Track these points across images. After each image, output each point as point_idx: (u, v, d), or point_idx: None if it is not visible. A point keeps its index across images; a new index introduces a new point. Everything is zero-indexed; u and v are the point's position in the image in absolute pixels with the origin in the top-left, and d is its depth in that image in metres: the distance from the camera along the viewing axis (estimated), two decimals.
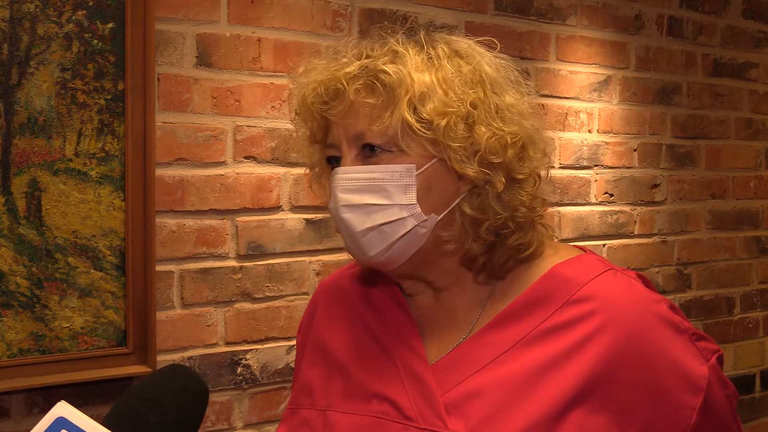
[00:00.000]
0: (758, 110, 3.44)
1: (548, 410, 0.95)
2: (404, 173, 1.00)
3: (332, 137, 1.05)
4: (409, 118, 0.98)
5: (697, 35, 3.20)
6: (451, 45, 1.05)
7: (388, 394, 1.04)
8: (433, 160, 1.00)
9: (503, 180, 1.01)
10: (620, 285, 1.02)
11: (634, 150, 3.00)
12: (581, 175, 2.84)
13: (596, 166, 2.89)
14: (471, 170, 0.99)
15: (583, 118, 2.84)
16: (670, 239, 3.13)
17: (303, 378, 1.17)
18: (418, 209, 1.00)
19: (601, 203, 2.91)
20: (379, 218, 1.00)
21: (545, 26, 2.74)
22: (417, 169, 1.00)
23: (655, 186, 3.07)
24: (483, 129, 1.00)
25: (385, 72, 1.00)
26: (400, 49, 1.03)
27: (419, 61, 1.02)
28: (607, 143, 2.91)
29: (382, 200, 1.00)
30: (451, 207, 1.02)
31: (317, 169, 1.12)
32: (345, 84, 1.01)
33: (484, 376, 1.00)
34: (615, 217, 2.95)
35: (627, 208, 2.99)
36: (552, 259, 1.07)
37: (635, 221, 3.01)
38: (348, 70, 1.02)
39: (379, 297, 1.15)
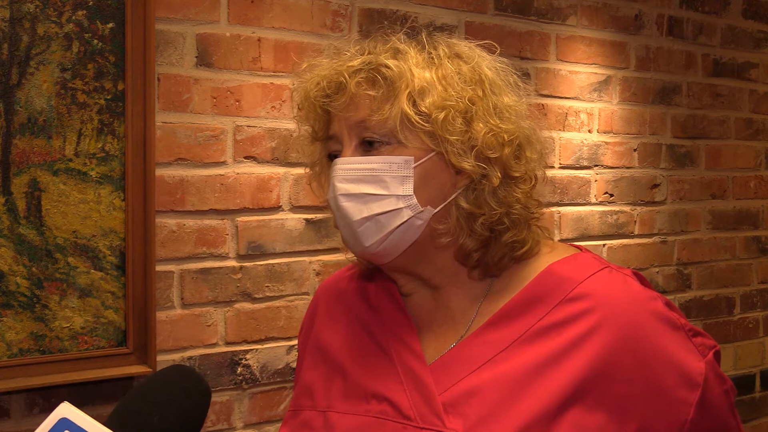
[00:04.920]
0: (758, 110, 3.44)
1: (545, 408, 0.95)
2: (402, 165, 1.01)
3: (333, 129, 1.06)
4: (409, 111, 1.00)
5: (697, 35, 3.20)
6: (452, 47, 1.07)
7: (387, 393, 1.05)
8: (431, 154, 1.02)
9: (499, 175, 1.02)
10: (615, 283, 1.03)
11: (634, 150, 3.00)
12: (581, 175, 2.84)
13: (596, 166, 2.89)
14: (467, 164, 1.01)
15: (583, 118, 2.84)
16: (670, 239, 3.13)
17: (304, 379, 1.17)
18: (415, 200, 1.01)
19: (601, 203, 2.91)
20: (376, 208, 1.02)
21: (545, 26, 2.74)
22: (415, 162, 1.01)
23: (655, 186, 3.07)
24: (480, 125, 1.02)
25: (386, 66, 1.02)
26: (402, 46, 1.05)
27: (420, 59, 1.04)
28: (607, 143, 2.91)
29: (379, 190, 1.01)
30: (447, 201, 1.03)
31: (317, 168, 1.13)
32: (347, 77, 1.03)
33: (482, 374, 1.00)
34: (615, 217, 2.95)
35: (627, 208, 2.99)
36: (547, 258, 1.07)
37: (635, 221, 3.01)
38: (351, 64, 1.04)
39: (377, 297, 1.15)
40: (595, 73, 2.87)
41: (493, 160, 1.02)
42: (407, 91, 1.01)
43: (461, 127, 1.01)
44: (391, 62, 1.02)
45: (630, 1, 2.97)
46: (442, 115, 1.00)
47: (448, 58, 1.05)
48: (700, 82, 3.21)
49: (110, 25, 1.90)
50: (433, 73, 1.03)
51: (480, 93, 1.03)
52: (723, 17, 3.29)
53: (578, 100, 2.83)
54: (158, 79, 2.00)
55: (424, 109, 1.00)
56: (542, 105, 2.73)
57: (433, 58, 1.04)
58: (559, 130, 2.78)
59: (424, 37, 1.07)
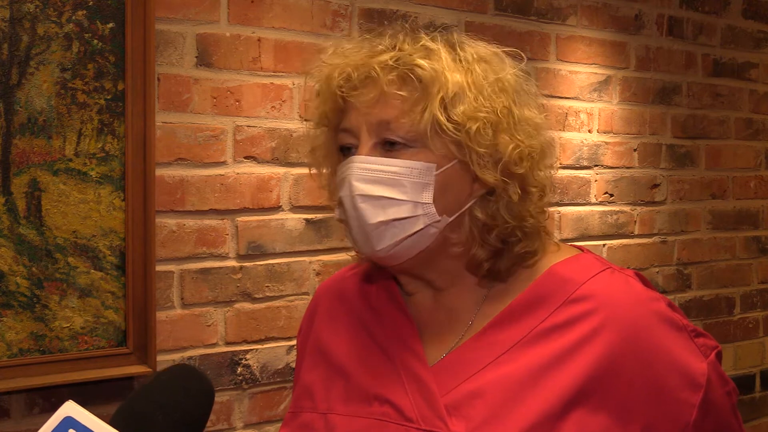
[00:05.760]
0: (758, 110, 3.44)
1: (549, 410, 0.95)
2: (424, 171, 0.99)
3: (349, 122, 1.03)
4: (441, 117, 0.97)
5: (697, 35, 3.20)
6: (478, 50, 1.04)
7: (389, 396, 1.04)
8: (454, 162, 1.00)
9: (519, 191, 1.01)
10: (618, 284, 1.03)
11: (634, 150, 3.00)
12: (581, 175, 2.84)
13: (596, 166, 2.89)
14: (491, 177, 0.99)
15: (583, 118, 2.84)
16: (670, 239, 3.13)
17: (304, 380, 1.17)
18: (433, 209, 0.99)
19: (601, 203, 2.91)
20: (393, 213, 0.99)
21: (545, 26, 2.74)
22: (437, 169, 0.99)
23: (655, 186, 3.07)
24: (507, 138, 1.00)
25: (420, 66, 0.99)
26: (433, 46, 1.02)
27: (450, 61, 1.01)
28: (607, 143, 2.91)
29: (398, 195, 0.99)
30: (462, 210, 1.01)
31: (318, 153, 1.10)
32: (379, 72, 0.99)
33: (485, 376, 1.00)
34: (615, 217, 2.95)
35: (627, 208, 2.99)
36: (550, 259, 1.07)
37: (635, 221, 3.01)
38: (382, 58, 1.00)
39: (378, 298, 1.14)
40: (595, 73, 2.87)
41: (516, 175, 1.00)
42: (440, 95, 0.98)
43: (490, 139, 0.99)
44: (425, 62, 0.99)
45: (630, 1, 2.97)
46: (474, 126, 0.97)
47: (477, 62, 1.02)
48: (700, 82, 3.21)
49: (110, 25, 1.90)
50: (464, 77, 1.00)
51: (506, 104, 1.01)
52: (723, 17, 3.29)
53: (578, 100, 2.83)
54: (158, 79, 2.00)
55: (455, 117, 0.97)
56: (542, 105, 2.72)
57: (461, 61, 1.01)
58: (559, 130, 2.77)
59: (454, 37, 1.04)
